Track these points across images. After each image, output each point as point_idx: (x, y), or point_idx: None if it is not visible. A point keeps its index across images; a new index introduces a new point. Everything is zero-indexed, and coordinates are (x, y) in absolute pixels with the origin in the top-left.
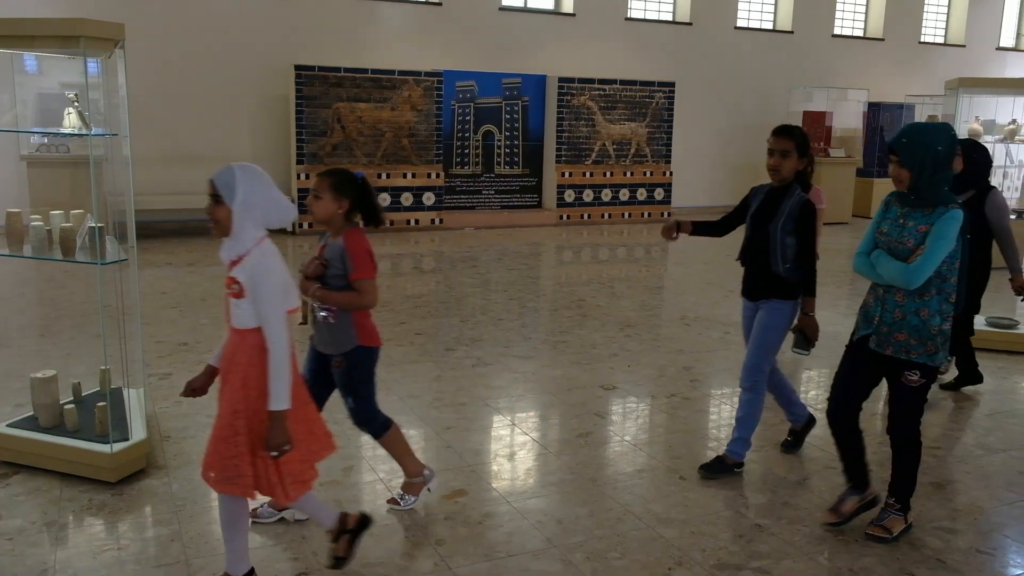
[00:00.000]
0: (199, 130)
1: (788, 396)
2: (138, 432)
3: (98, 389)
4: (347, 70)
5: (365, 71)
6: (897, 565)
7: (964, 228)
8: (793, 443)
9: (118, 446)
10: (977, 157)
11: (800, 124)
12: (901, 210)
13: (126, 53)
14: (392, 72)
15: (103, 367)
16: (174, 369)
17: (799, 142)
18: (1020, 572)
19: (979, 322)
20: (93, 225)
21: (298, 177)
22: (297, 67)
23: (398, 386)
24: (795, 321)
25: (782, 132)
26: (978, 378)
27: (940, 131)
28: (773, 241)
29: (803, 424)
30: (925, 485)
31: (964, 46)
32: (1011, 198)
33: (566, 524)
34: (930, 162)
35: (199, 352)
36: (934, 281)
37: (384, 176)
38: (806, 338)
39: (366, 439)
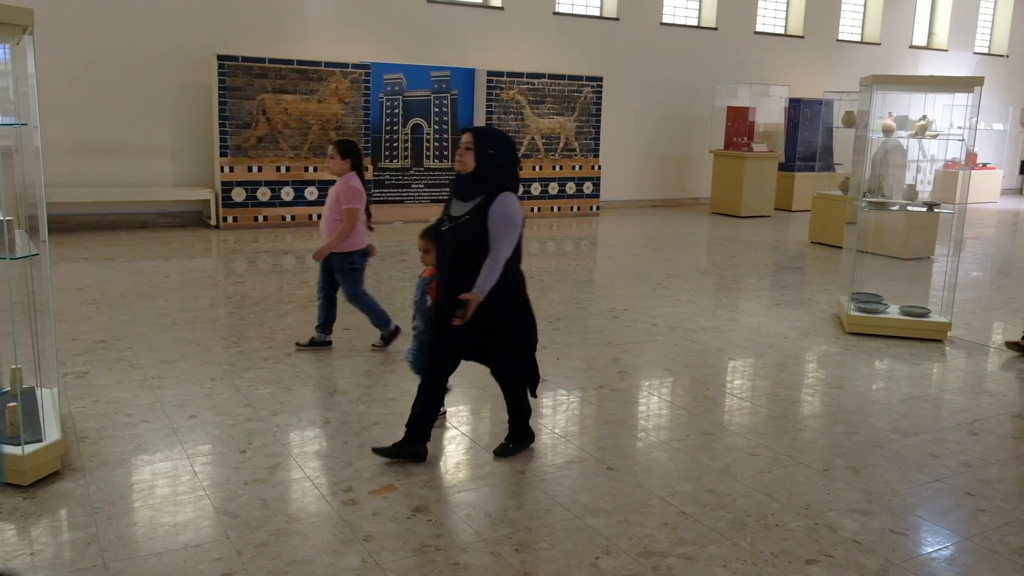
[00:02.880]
0: (117, 120)
1: None
2: (52, 433)
3: (8, 389)
4: (272, 61)
5: (291, 62)
6: (816, 548)
7: None
8: None
9: (30, 448)
10: (494, 153)
11: (724, 119)
12: None
13: (36, 39)
14: (319, 64)
15: (14, 366)
16: (91, 367)
17: None
18: (931, 550)
19: (893, 311)
20: (1, 218)
21: (222, 170)
22: (220, 57)
23: (326, 382)
24: None
25: None
26: (420, 456)
27: None
28: None
29: None
30: (841, 469)
31: (879, 44)
32: (923, 191)
33: (495, 517)
34: None
35: (119, 350)
36: None
37: (312, 169)
38: None
39: (293, 435)
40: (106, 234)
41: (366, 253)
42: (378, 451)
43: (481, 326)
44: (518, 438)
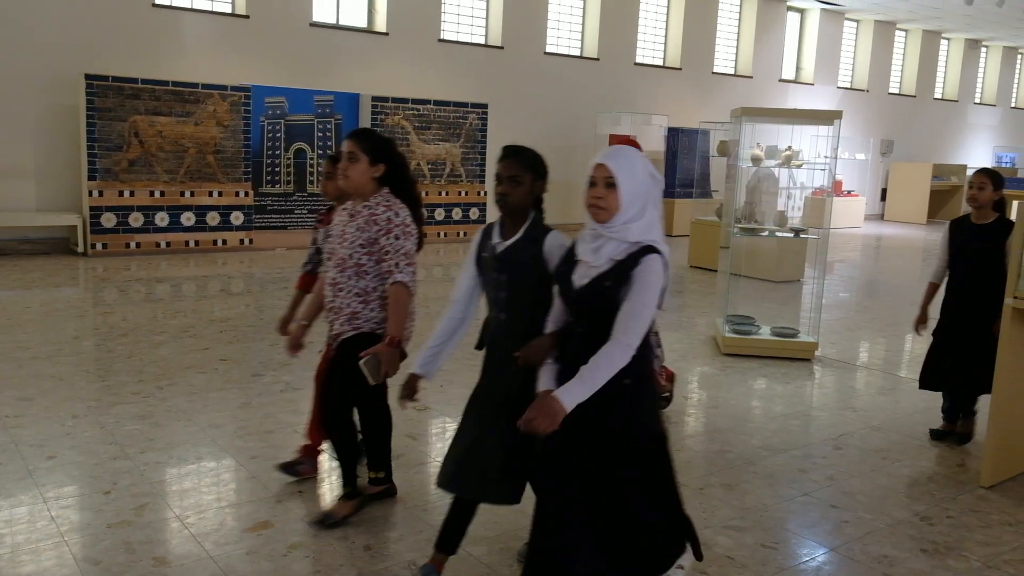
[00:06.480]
0: None
1: None
2: None
3: None
4: (145, 81)
5: (165, 83)
6: (691, 565)
7: None
8: None
9: None
10: None
11: (607, 147)
12: None
13: None
14: (195, 85)
15: None
16: None
17: None
18: (799, 562)
19: (764, 332)
20: None
21: (90, 194)
22: (88, 76)
23: (199, 416)
24: None
25: None
26: None
27: None
28: None
29: None
30: (716, 487)
31: (751, 77)
32: (794, 217)
33: (375, 549)
34: None
35: None
36: None
37: (189, 194)
38: None
39: (163, 473)
40: None
41: None
42: None
43: None
44: None
